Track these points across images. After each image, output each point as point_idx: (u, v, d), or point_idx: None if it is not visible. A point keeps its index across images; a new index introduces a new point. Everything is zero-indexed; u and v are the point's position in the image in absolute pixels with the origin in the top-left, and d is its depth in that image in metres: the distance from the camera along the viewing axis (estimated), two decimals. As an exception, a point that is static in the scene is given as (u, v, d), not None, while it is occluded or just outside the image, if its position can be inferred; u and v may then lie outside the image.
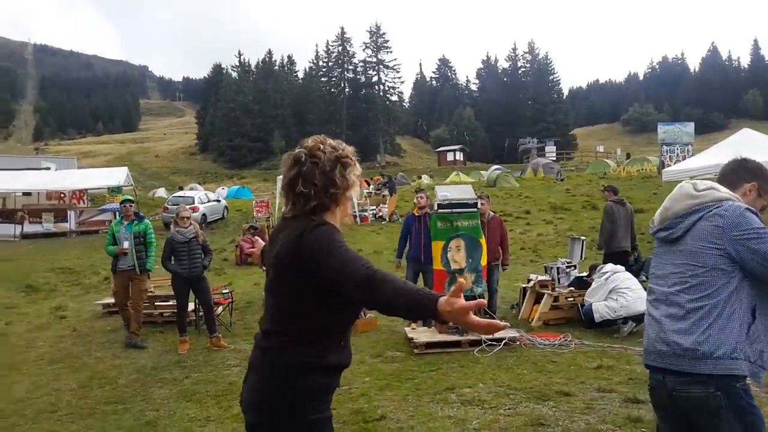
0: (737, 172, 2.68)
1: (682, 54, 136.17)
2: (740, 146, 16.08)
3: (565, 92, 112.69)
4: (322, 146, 2.14)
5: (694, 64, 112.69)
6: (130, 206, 8.36)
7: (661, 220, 2.64)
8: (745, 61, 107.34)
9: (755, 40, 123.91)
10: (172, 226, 8.20)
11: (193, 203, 23.02)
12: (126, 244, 8.04)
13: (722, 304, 2.39)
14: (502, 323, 1.76)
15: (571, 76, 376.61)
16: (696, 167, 16.15)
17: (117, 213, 22.43)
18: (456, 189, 9.31)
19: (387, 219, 24.10)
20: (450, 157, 74.05)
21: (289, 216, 2.18)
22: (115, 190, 24.23)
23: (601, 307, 7.96)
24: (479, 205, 8.53)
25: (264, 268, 2.50)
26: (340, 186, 2.11)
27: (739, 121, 65.83)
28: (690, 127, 32.37)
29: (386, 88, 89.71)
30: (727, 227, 2.39)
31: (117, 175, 25.02)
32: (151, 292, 9.40)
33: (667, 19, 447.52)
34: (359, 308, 2.21)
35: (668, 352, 2.48)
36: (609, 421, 4.88)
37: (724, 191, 2.52)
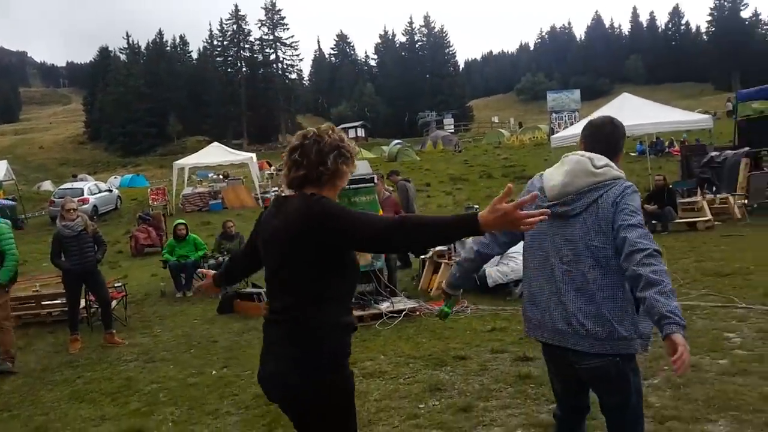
0: (619, 139, 2.77)
1: (569, 23, 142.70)
2: (621, 110, 17.06)
3: (462, 64, 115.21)
4: (330, 132, 2.37)
5: (580, 32, 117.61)
6: None
7: (560, 195, 2.59)
8: (626, 28, 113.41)
9: (634, 8, 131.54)
10: (58, 220, 7.68)
11: (83, 195, 21.91)
12: None
13: (620, 283, 2.49)
14: (531, 195, 2.09)
15: (466, 48, 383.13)
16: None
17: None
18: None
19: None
20: (351, 134, 73.97)
21: (284, 195, 2.41)
22: (-6, 186, 22.65)
23: (493, 272, 8.29)
24: (374, 183, 8.63)
25: (216, 294, 2.69)
26: (329, 168, 2.31)
27: (622, 86, 69.46)
28: (576, 94, 34.01)
29: (285, 67, 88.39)
30: (622, 204, 2.47)
31: (-4, 170, 23.40)
32: (36, 291, 8.92)
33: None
34: (357, 271, 2.41)
35: (569, 331, 2.53)
36: (501, 380, 5.12)
37: (616, 168, 2.60)
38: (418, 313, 7.65)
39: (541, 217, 1.88)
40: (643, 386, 4.53)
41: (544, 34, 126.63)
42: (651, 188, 14.04)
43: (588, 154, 2.64)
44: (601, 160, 2.60)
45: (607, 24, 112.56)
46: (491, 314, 7.34)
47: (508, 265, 8.24)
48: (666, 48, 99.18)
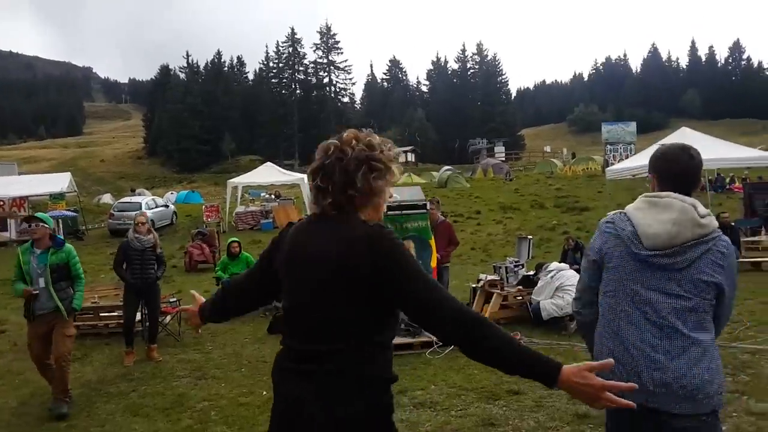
0: (697, 172, 2.51)
1: (625, 55, 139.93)
2: (679, 145, 16.66)
3: (513, 93, 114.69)
4: (354, 142, 1.92)
5: (636, 64, 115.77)
6: (38, 227, 5.77)
7: (665, 246, 2.32)
8: (684, 62, 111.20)
9: (693, 41, 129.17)
10: (130, 232, 7.85)
11: (141, 209, 22.50)
12: (41, 282, 5.69)
13: (713, 339, 2.35)
14: (628, 384, 1.77)
15: (518, 77, 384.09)
16: (638, 165, 16.65)
17: (58, 220, 21.90)
18: (405, 191, 9.37)
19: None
20: (401, 158, 73.90)
21: (318, 214, 1.97)
22: (57, 197, 23.50)
23: (548, 305, 8.13)
24: (429, 209, 8.62)
25: (199, 331, 2.44)
26: (360, 188, 1.89)
27: (678, 120, 67.90)
28: (632, 126, 33.40)
29: (337, 90, 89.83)
30: (728, 266, 2.34)
31: (59, 182, 24.25)
32: (95, 302, 9.14)
33: (610, 20, 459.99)
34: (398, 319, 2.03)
35: (663, 392, 2.29)
36: (557, 418, 4.98)
37: (713, 216, 2.41)
38: (469, 343, 7.53)
39: (628, 405, 1.77)
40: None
41: (598, 65, 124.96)
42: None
43: (689, 200, 2.37)
44: (701, 207, 2.36)
45: (664, 57, 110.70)
46: (545, 348, 7.17)
47: (564, 298, 8.06)
48: (725, 83, 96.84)
